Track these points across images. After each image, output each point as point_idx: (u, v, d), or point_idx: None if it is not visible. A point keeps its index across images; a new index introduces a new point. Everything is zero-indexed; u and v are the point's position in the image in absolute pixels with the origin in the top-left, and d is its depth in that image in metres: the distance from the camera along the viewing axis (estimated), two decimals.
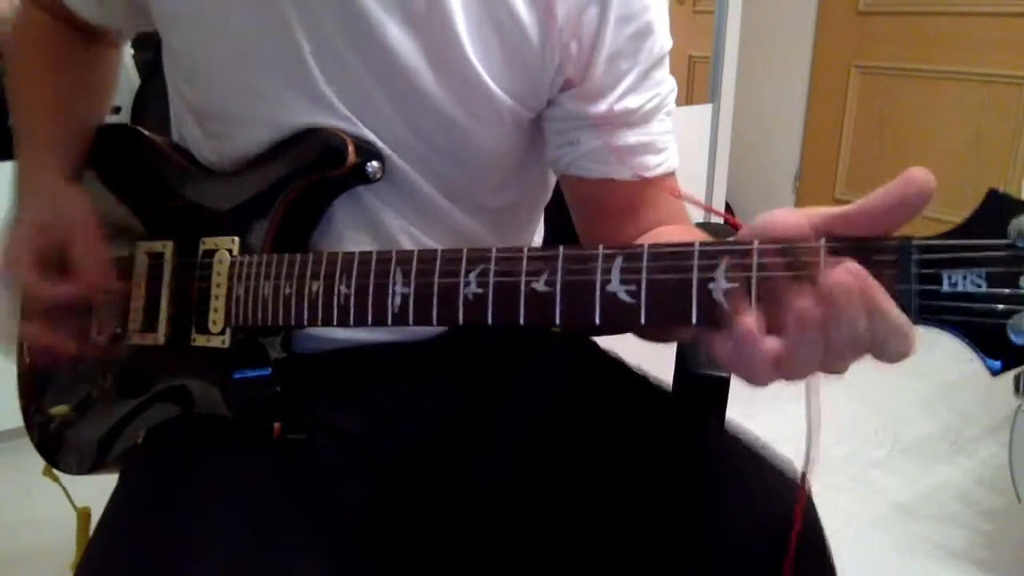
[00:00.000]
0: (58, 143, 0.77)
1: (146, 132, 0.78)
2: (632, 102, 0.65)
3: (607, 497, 0.65)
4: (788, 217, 0.43)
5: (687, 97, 3.18)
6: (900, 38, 2.74)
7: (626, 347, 0.81)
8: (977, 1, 2.52)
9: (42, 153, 0.76)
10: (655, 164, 0.67)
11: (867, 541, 1.61)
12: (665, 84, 0.67)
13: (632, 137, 0.66)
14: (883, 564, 1.55)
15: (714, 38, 2.59)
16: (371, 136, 0.65)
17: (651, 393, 0.77)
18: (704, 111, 2.65)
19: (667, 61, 0.67)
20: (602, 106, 0.64)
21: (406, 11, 0.61)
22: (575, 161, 0.67)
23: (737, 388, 0.83)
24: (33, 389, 0.84)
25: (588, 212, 0.71)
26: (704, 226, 1.18)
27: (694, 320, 0.45)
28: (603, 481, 0.67)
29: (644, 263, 0.46)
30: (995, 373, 0.39)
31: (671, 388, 0.82)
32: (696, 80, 3.14)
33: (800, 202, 3.17)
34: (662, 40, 0.65)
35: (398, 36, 0.61)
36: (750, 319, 0.42)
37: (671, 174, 0.69)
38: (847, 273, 0.39)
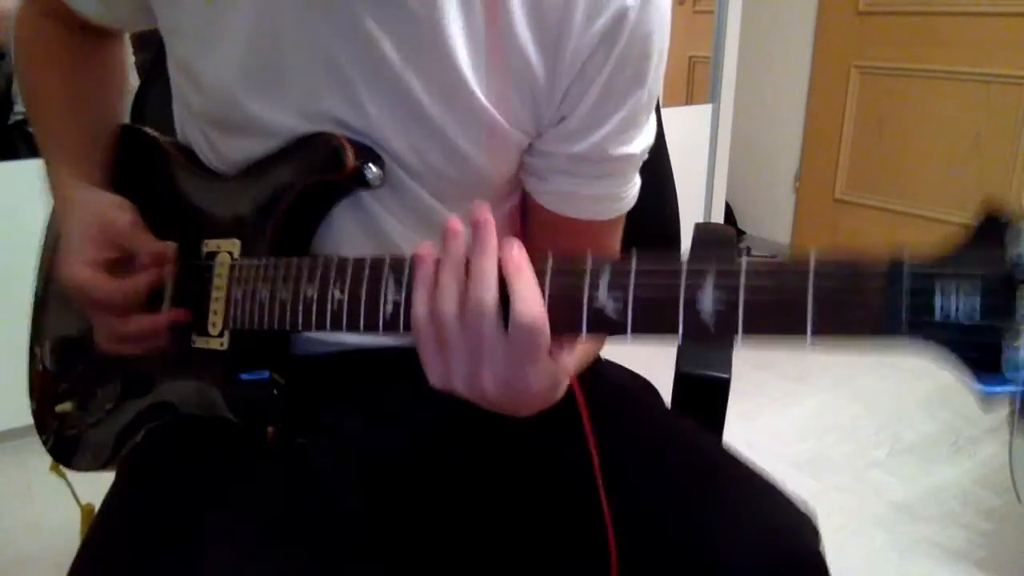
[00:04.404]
0: (80, 154, 0.75)
1: (152, 132, 0.78)
2: (611, 148, 0.64)
3: (608, 503, 0.65)
4: None
5: (687, 97, 3.17)
6: (900, 38, 2.74)
7: (626, 348, 0.81)
8: (977, 1, 2.52)
9: (68, 165, 0.74)
10: (612, 210, 0.69)
11: (867, 541, 1.61)
12: (643, 138, 0.66)
13: (598, 188, 0.66)
14: (883, 564, 1.55)
15: (714, 38, 2.59)
16: (374, 146, 0.64)
17: (652, 412, 0.77)
18: (704, 111, 2.65)
19: (652, 109, 0.66)
20: (581, 146, 0.64)
21: (406, 39, 0.60)
22: (538, 192, 0.68)
23: (737, 389, 0.83)
24: (45, 391, 0.84)
25: (535, 224, 0.72)
26: (703, 227, 1.18)
27: (680, 338, 0.45)
28: (604, 487, 0.67)
29: (632, 278, 0.47)
30: (986, 396, 0.38)
31: (671, 390, 0.82)
32: (696, 80, 3.13)
33: (800, 202, 3.17)
34: (653, 88, 0.64)
35: (398, 61, 0.61)
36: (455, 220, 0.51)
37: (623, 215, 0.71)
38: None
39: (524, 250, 0.50)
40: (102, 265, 0.67)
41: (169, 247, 0.69)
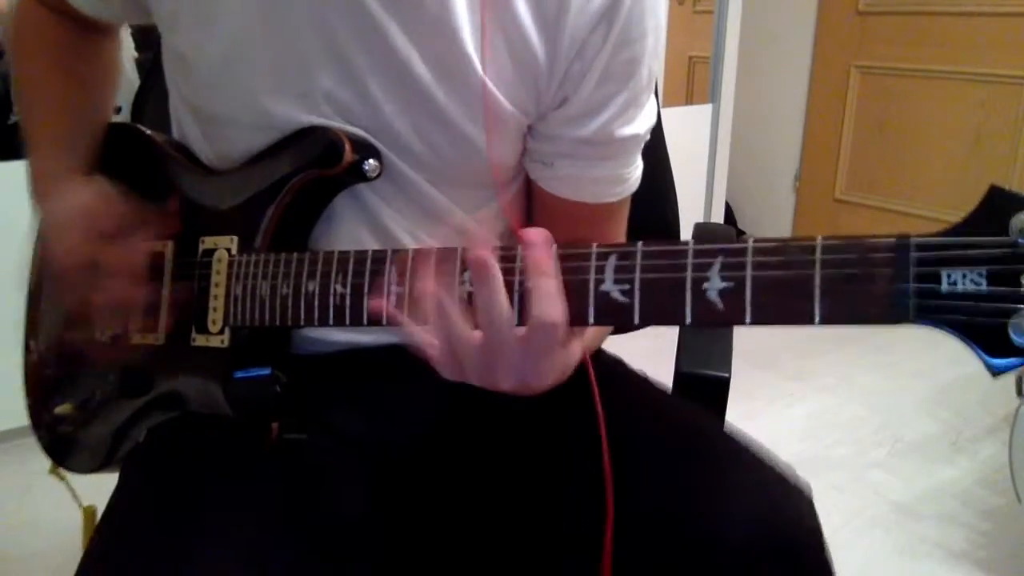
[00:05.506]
0: (67, 145, 0.76)
1: (148, 131, 0.78)
2: (615, 129, 0.65)
3: (608, 496, 0.65)
4: None
5: (687, 97, 3.18)
6: (900, 38, 2.74)
7: (626, 347, 0.81)
8: (977, 1, 2.52)
9: (53, 153, 0.75)
10: (617, 192, 0.69)
11: (867, 541, 1.61)
12: (646, 117, 0.67)
13: (603, 170, 0.67)
14: (883, 564, 1.55)
15: (714, 38, 2.59)
16: (371, 139, 0.64)
17: (651, 392, 0.77)
18: (704, 111, 2.65)
19: (652, 88, 0.67)
20: (586, 130, 0.65)
21: (412, 19, 0.60)
22: (544, 178, 0.69)
23: (737, 389, 0.83)
24: (40, 388, 0.84)
25: (542, 211, 0.72)
26: (703, 227, 1.18)
27: (688, 320, 0.45)
28: (603, 480, 0.67)
29: (638, 262, 0.47)
30: (996, 374, 0.38)
31: (671, 389, 0.82)
32: (696, 80, 3.13)
33: (800, 202, 3.17)
34: (651, 67, 0.65)
35: (406, 46, 0.61)
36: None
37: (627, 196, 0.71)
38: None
39: (547, 248, 0.49)
40: (101, 236, 0.67)
41: (170, 206, 0.69)
